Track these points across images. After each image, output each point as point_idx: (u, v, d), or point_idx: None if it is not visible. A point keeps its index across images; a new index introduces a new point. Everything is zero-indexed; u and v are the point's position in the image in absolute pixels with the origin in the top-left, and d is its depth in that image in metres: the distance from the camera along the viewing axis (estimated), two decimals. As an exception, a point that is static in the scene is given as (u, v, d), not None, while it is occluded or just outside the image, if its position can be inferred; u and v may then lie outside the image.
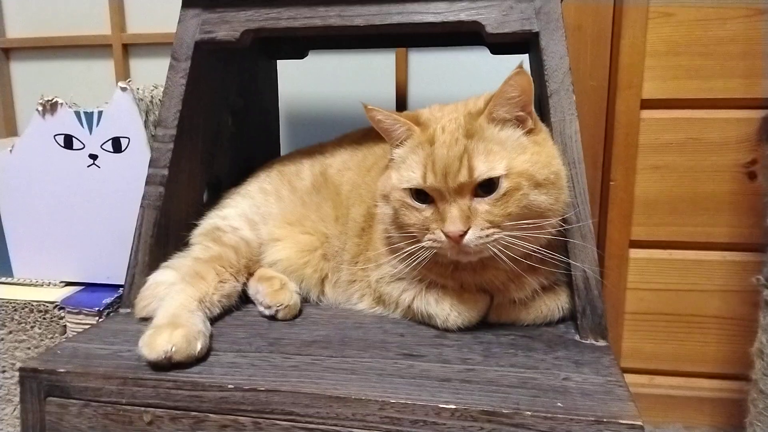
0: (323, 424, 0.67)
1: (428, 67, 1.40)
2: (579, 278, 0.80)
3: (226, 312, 0.90)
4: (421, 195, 0.76)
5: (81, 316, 1.02)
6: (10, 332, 1.07)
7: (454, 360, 0.74)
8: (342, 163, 1.03)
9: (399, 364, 0.73)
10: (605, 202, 1.29)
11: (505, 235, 0.73)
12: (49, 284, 1.10)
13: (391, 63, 1.39)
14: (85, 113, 1.01)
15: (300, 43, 1.24)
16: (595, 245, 0.81)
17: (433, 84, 1.39)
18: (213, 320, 0.86)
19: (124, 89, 0.98)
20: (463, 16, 0.87)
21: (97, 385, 0.72)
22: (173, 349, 0.71)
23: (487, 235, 0.72)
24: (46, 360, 0.76)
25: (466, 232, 0.72)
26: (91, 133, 1.01)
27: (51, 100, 1.00)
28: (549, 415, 0.62)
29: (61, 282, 1.10)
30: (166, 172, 0.93)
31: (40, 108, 1.01)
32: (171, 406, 0.70)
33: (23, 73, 1.56)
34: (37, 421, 0.75)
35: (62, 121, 1.02)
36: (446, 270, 0.81)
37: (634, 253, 1.30)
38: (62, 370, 0.73)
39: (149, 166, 0.94)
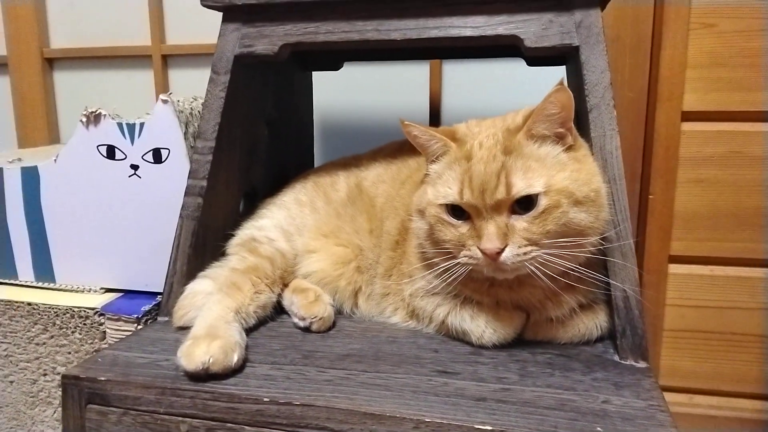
0: (357, 440, 0.67)
1: (463, 78, 1.39)
2: (619, 298, 0.79)
3: (262, 323, 0.91)
4: (457, 211, 0.76)
5: (120, 323, 1.04)
6: (52, 337, 1.09)
7: (489, 378, 0.73)
8: (377, 175, 1.03)
9: (433, 382, 0.73)
10: (644, 217, 1.26)
11: (543, 252, 0.72)
12: (89, 290, 1.13)
13: (425, 74, 1.39)
14: (128, 125, 1.03)
15: (335, 56, 1.25)
16: (636, 264, 0.79)
17: (468, 95, 1.38)
18: (248, 331, 0.87)
19: (165, 102, 1.00)
20: (502, 30, 0.86)
21: (137, 394, 0.74)
22: (211, 361, 0.72)
23: (525, 253, 0.71)
24: (88, 368, 0.78)
25: (503, 250, 0.71)
26: (132, 144, 1.04)
27: (95, 112, 1.03)
28: (588, 439, 0.60)
29: (101, 288, 1.13)
30: (204, 183, 0.95)
31: (84, 119, 1.04)
32: (207, 417, 0.71)
33: (66, 82, 1.61)
34: (78, 427, 0.77)
35: (105, 132, 1.04)
36: (482, 286, 0.80)
37: (674, 269, 1.27)
38: (103, 378, 0.75)
39: (188, 177, 0.95)
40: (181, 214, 0.95)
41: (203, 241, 0.97)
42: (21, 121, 1.61)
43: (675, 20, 1.16)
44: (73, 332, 1.08)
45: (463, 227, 0.75)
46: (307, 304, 0.89)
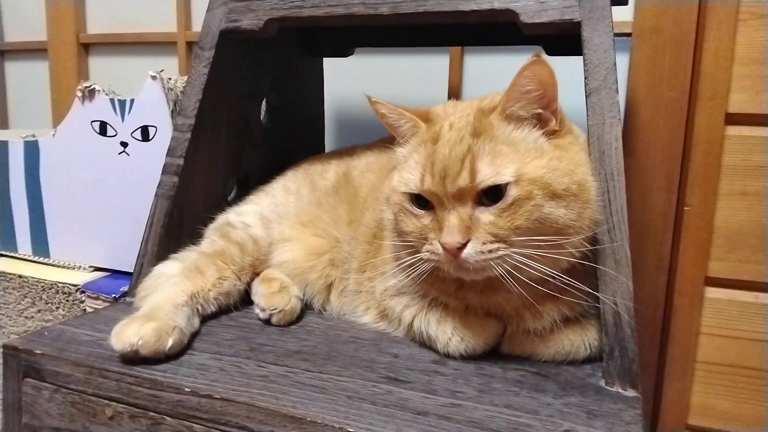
0: (277, 445, 0.59)
1: (484, 69, 1.30)
2: (608, 312, 0.67)
3: (224, 311, 0.85)
4: (421, 200, 0.67)
5: (99, 302, 1.02)
6: (39, 311, 1.09)
7: (442, 391, 0.64)
8: (366, 165, 0.95)
9: (377, 389, 0.64)
10: (678, 231, 1.12)
11: (513, 252, 0.62)
12: (79, 268, 1.12)
13: (445, 66, 1.30)
14: (119, 101, 1.01)
15: (342, 40, 1.19)
16: (631, 274, 0.67)
17: (489, 88, 1.28)
18: (207, 318, 0.82)
19: (154, 78, 0.97)
20: (497, 4, 0.77)
21: (68, 371, 0.70)
22: (140, 343, 0.67)
23: (490, 251, 0.62)
24: (29, 340, 0.75)
25: (465, 245, 0.62)
26: (123, 121, 1.02)
27: (89, 87, 1.02)
28: (529, 473, 0.50)
29: (90, 267, 1.11)
30: (181, 161, 0.91)
31: (80, 94, 1.03)
32: (131, 403, 0.66)
33: (100, 67, 1.65)
34: (16, 400, 0.74)
35: (99, 108, 1.03)
36: (449, 287, 0.71)
37: (711, 293, 1.11)
38: (38, 352, 0.72)
39: (166, 155, 0.92)
40: (156, 192, 0.92)
41: (179, 223, 0.93)
42: (56, 104, 1.66)
43: (722, 9, 1.02)
44: (57, 308, 1.07)
45: (426, 218, 0.67)
46: (269, 295, 0.83)
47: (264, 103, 1.13)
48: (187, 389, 0.63)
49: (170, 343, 0.69)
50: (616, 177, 0.69)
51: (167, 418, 0.64)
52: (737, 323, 1.10)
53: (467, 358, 0.71)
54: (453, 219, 0.63)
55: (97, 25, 1.64)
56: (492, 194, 0.63)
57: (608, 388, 0.66)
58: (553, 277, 0.64)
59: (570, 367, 0.71)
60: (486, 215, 0.63)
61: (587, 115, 0.71)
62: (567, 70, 0.80)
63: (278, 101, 1.14)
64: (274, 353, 0.73)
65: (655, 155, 1.14)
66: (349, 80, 1.38)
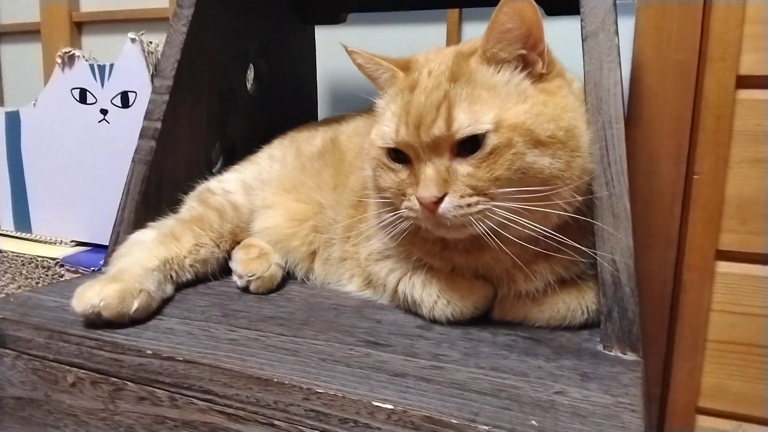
0: (242, 410, 0.55)
1: (482, 38, 1.24)
2: (606, 270, 0.62)
3: (201, 280, 0.81)
4: (398, 154, 0.63)
5: (78, 275, 0.98)
6: (19, 287, 1.05)
7: (423, 354, 0.59)
8: (354, 129, 0.91)
9: (354, 352, 0.59)
10: (687, 201, 1.05)
11: (495, 207, 0.57)
12: (61, 243, 1.08)
13: (443, 34, 1.25)
14: (99, 66, 0.98)
15: (334, 5, 1.14)
16: (631, 229, 0.61)
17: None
18: (182, 286, 0.78)
19: (133, 41, 0.93)
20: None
21: (28, 336, 0.66)
22: (102, 304, 0.63)
23: (469, 205, 0.57)
24: (-9, 305, 0.71)
25: (441, 199, 0.57)
26: (102, 87, 0.98)
27: (68, 52, 0.98)
28: (512, 434, 0.45)
29: (72, 241, 1.08)
30: (159, 125, 0.86)
31: (59, 60, 0.99)
32: (92, 369, 0.62)
33: (93, 45, 1.61)
34: (-22, 369, 0.70)
35: (78, 75, 1.00)
36: (434, 248, 0.66)
37: (723, 267, 1.05)
38: (0, 316, 0.67)
39: (144, 118, 0.88)
40: (133, 158, 0.87)
41: (157, 190, 0.89)
42: (49, 85, 1.62)
43: (733, -38, 0.96)
44: (37, 282, 1.03)
45: (404, 173, 0.62)
46: (247, 261, 0.78)
47: (251, 71, 1.08)
48: (148, 351, 0.59)
49: (135, 305, 0.65)
50: (615, 125, 0.63)
51: (129, 383, 0.60)
52: (750, 299, 1.03)
53: (454, 323, 0.66)
54: (429, 171, 0.58)
55: (89, 3, 1.60)
56: (470, 144, 0.58)
57: (606, 352, 0.60)
58: (544, 235, 0.59)
59: (566, 333, 0.65)
60: (464, 167, 0.58)
61: (584, 60, 0.65)
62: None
63: (266, 69, 1.09)
64: (248, 318, 0.68)
65: (662, 122, 1.08)
66: (343, 53, 1.33)
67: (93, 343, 0.62)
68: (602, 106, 0.64)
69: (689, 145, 1.07)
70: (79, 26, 1.61)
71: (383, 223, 0.66)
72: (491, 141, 0.56)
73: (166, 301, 0.72)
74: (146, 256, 0.74)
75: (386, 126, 0.63)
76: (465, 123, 0.57)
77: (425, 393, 0.51)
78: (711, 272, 1.05)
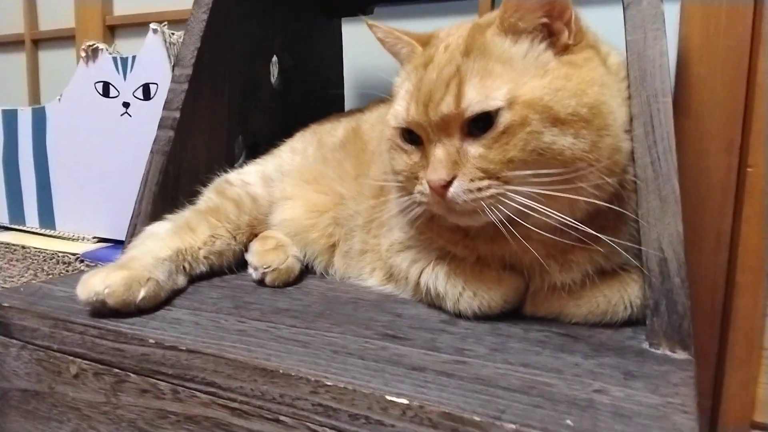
0: (247, 404, 0.50)
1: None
2: (653, 259, 0.55)
3: (217, 273, 0.77)
4: (412, 135, 0.59)
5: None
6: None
7: (446, 349, 0.53)
8: (377, 117, 0.86)
9: (369, 344, 0.54)
10: (741, 196, 0.97)
11: (510, 191, 0.52)
12: (83, 239, 1.07)
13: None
14: (121, 58, 0.97)
15: (361, -3, 1.11)
16: (680, 213, 0.55)
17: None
18: (196, 278, 0.74)
19: (155, 31, 0.91)
20: None
21: (34, 325, 0.63)
22: (107, 291, 0.59)
23: (480, 189, 0.52)
24: (0, 294, 0.69)
25: (450, 183, 0.53)
26: (125, 80, 0.97)
27: (92, 45, 0.98)
28: (543, 434, 0.39)
29: (94, 237, 1.06)
30: (177, 114, 0.84)
31: (84, 54, 0.98)
32: (95, 359, 0.59)
33: (125, 48, 1.62)
34: (-14, 360, 0.68)
35: (102, 68, 0.99)
36: (455, 236, 0.61)
37: (782, 269, 0.96)
38: (6, 305, 0.65)
39: (163, 108, 0.85)
40: (152, 148, 0.85)
41: (175, 182, 0.86)
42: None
43: (788, -64, 0.88)
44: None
45: (416, 155, 0.58)
46: (263, 252, 0.74)
47: (275, 64, 1.06)
48: (151, 341, 0.55)
49: (142, 294, 0.61)
50: (661, 98, 0.57)
51: (131, 375, 0.56)
52: (814, 305, 0.94)
53: (482, 317, 0.61)
54: (438, 153, 0.54)
55: (122, 6, 1.62)
56: (482, 122, 0.53)
57: (653, 350, 0.54)
58: (573, 227, 0.53)
59: (606, 330, 0.59)
60: (475, 147, 0.53)
61: (625, 30, 0.60)
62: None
63: (291, 63, 1.07)
64: (261, 310, 0.64)
65: (712, 113, 1.00)
66: (371, 48, 1.30)
67: (96, 332, 0.58)
68: (646, 79, 0.58)
69: (742, 136, 0.99)
70: (112, 29, 1.63)
71: (401, 209, 0.61)
72: (504, 119, 0.51)
73: (177, 293, 0.69)
74: (159, 246, 0.71)
75: (399, 105, 0.59)
76: (475, 99, 0.52)
77: (445, 388, 0.45)
78: (767, 273, 0.96)
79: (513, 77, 0.52)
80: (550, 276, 0.59)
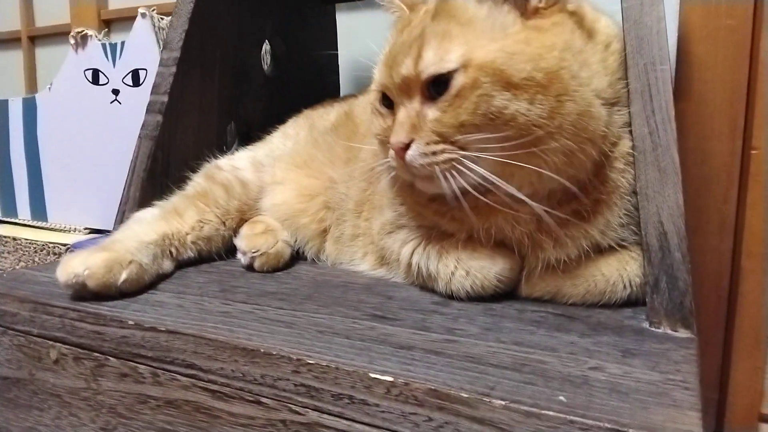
0: (227, 386, 0.48)
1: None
2: (652, 234, 0.53)
3: (205, 259, 0.75)
4: (387, 99, 0.59)
5: (86, 261, 0.95)
6: (32, 275, 1.03)
7: (436, 328, 0.51)
8: (369, 99, 0.84)
9: (357, 325, 0.52)
10: (745, 180, 0.95)
11: (465, 157, 0.51)
12: (75, 230, 1.05)
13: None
14: (110, 45, 0.95)
15: (354, -19, 1.09)
16: (680, 185, 0.53)
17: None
18: (183, 264, 0.72)
19: (143, 15, 0.90)
20: None
21: (14, 310, 0.61)
22: (86, 273, 0.58)
23: (434, 153, 0.52)
24: (-19, 280, 0.67)
25: (409, 146, 0.53)
26: (114, 66, 0.95)
27: (81, 32, 0.96)
28: (534, 410, 0.37)
29: (86, 229, 1.04)
30: (166, 98, 0.82)
31: (73, 41, 0.97)
32: (75, 343, 0.57)
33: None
34: (-32, 348, 0.66)
35: (91, 55, 0.97)
36: (441, 206, 0.59)
37: (788, 254, 0.93)
38: (-14, 290, 0.63)
39: (151, 92, 0.84)
40: (139, 133, 0.83)
41: (164, 168, 0.84)
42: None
43: None
44: (48, 271, 1.00)
45: (390, 119, 0.58)
46: (251, 236, 0.72)
47: (267, 50, 1.04)
48: (130, 322, 0.53)
49: (123, 276, 0.59)
50: (659, 66, 0.54)
51: (111, 358, 0.55)
52: (821, 290, 0.92)
53: (474, 298, 0.58)
54: (401, 115, 0.55)
55: (118, 0, 1.61)
56: (441, 85, 0.52)
57: (653, 329, 0.51)
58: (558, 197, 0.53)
59: (605, 310, 0.57)
60: (432, 111, 0.53)
61: (620, -5, 0.57)
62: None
63: (283, 49, 1.05)
64: (247, 293, 0.62)
65: (714, 95, 0.98)
66: (368, 35, 1.28)
67: (75, 314, 0.57)
68: (643, 47, 0.55)
69: (745, 117, 0.97)
70: (108, 23, 1.62)
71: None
72: (457, 82, 0.51)
73: (163, 277, 0.67)
74: (144, 229, 0.69)
75: (376, 68, 0.60)
76: (430, 61, 0.52)
77: (433, 366, 0.43)
78: (774, 259, 0.94)
79: (470, 40, 0.52)
80: (544, 252, 0.57)
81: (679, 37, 1.00)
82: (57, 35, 1.75)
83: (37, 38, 1.83)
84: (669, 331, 0.51)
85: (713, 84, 0.98)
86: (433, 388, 0.40)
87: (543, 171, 0.51)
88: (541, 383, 0.40)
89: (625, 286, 0.57)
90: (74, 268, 0.58)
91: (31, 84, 1.85)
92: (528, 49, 0.50)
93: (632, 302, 0.57)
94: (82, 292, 0.59)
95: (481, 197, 0.53)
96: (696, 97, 1.00)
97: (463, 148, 0.51)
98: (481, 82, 0.50)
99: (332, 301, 0.59)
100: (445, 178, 0.52)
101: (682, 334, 0.50)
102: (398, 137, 0.53)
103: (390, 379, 0.41)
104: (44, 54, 1.84)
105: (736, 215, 0.97)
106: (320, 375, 0.44)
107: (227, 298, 0.60)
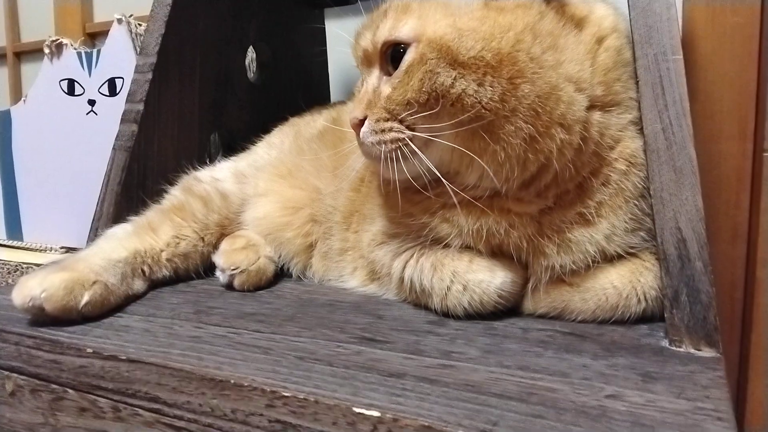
0: (195, 422, 0.42)
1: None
2: (669, 241, 0.47)
3: (182, 277, 0.70)
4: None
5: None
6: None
7: (431, 352, 0.46)
8: (359, 104, 0.79)
9: (342, 349, 0.47)
10: (757, 183, 0.89)
11: (414, 138, 0.50)
12: (51, 249, 0.99)
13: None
14: (86, 53, 0.90)
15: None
16: (699, 186, 0.47)
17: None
18: (158, 283, 0.67)
19: (120, 21, 0.85)
20: None
21: (-33, 339, 0.55)
22: (44, 296, 0.52)
23: (383, 130, 0.50)
24: (-64, 305, 0.61)
25: (364, 121, 0.52)
26: (90, 76, 0.90)
27: (56, 41, 0.91)
28: (545, 450, 0.31)
29: (62, 248, 0.99)
30: (141, 107, 0.77)
31: (47, 50, 0.92)
32: (32, 373, 0.51)
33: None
34: None
35: (66, 65, 0.93)
36: (431, 203, 0.54)
37: (806, 262, 0.88)
38: (-62, 317, 0.58)
39: (126, 101, 0.79)
40: (114, 145, 0.78)
41: (140, 181, 0.79)
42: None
43: None
44: (21, 293, 0.94)
45: None
46: (230, 251, 0.67)
47: (252, 56, 0.99)
48: (89, 350, 0.48)
49: (85, 298, 0.54)
50: (671, 56, 0.50)
51: (69, 390, 0.49)
52: (844, 300, 0.86)
53: (474, 315, 0.53)
54: (361, 91, 0.54)
55: (103, 14, 1.57)
56: (395, 60, 0.51)
57: (674, 348, 0.46)
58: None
59: (618, 327, 0.51)
60: (386, 87, 0.51)
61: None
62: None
63: (269, 55, 1.00)
64: (223, 315, 0.56)
65: (722, 95, 0.93)
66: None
67: (32, 342, 0.51)
68: (653, 36, 0.50)
69: (756, 118, 0.92)
70: (94, 37, 1.57)
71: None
72: (408, 57, 0.49)
73: (133, 298, 0.62)
74: (113, 246, 0.63)
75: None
76: (384, 32, 0.51)
77: (426, 397, 0.37)
78: (792, 267, 0.88)
79: (427, 14, 0.50)
80: (547, 259, 0.51)
81: (684, 35, 0.96)
82: (42, 51, 1.71)
83: (23, 54, 1.79)
84: (692, 350, 0.45)
85: (720, 84, 0.93)
86: (426, 424, 0.34)
87: (500, 157, 0.48)
88: (551, 416, 0.35)
89: (639, 300, 0.51)
90: (31, 290, 0.52)
91: (17, 100, 1.81)
92: (482, 28, 0.48)
93: (648, 318, 0.52)
94: (40, 317, 0.53)
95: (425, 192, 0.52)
96: (702, 97, 0.95)
97: (411, 129, 0.49)
98: (427, 57, 0.48)
99: (316, 322, 0.54)
100: (392, 160, 0.50)
101: (707, 353, 0.45)
102: (354, 113, 0.52)
103: (377, 414, 0.35)
104: (30, 69, 1.80)
105: (749, 221, 0.92)
106: (297, 410, 0.38)
107: (201, 320, 0.55)
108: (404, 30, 0.50)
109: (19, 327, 0.53)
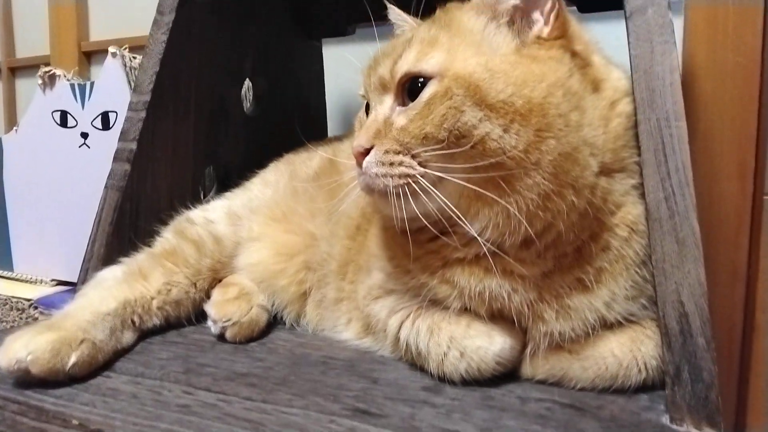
0: (181, 505, 0.41)
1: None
2: (671, 315, 0.46)
3: (173, 325, 0.69)
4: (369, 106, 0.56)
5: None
6: (-6, 331, 0.95)
7: (426, 429, 0.44)
8: (356, 144, 0.78)
9: (334, 425, 0.45)
10: (757, 225, 0.89)
11: (425, 175, 0.47)
12: (41, 282, 0.98)
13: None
14: (79, 85, 0.89)
15: (340, 16, 1.03)
16: (702, 259, 0.46)
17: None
18: (148, 333, 0.66)
19: (114, 55, 0.84)
20: None
21: (-51, 398, 0.54)
22: (30, 359, 0.51)
23: (391, 163, 0.47)
24: None
25: (369, 152, 0.49)
26: (83, 108, 0.89)
27: (49, 72, 0.90)
28: None
29: (53, 280, 0.97)
30: (134, 146, 0.76)
31: (41, 81, 0.91)
32: (14, 441, 0.49)
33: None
34: None
35: (59, 96, 0.92)
36: (432, 259, 0.53)
37: (806, 306, 0.87)
38: None
39: (119, 139, 0.78)
40: (106, 183, 0.77)
41: (133, 221, 0.78)
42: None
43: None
44: (10, 325, 0.93)
45: None
46: (222, 302, 0.66)
47: (249, 88, 0.98)
48: (75, 422, 0.46)
49: (72, 360, 0.52)
50: (674, 123, 0.49)
51: (52, 463, 0.47)
52: None
53: (471, 382, 0.52)
54: (369, 119, 0.51)
55: (98, 33, 1.56)
56: (416, 92, 0.49)
57: (675, 426, 0.45)
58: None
59: (618, 397, 0.50)
60: (401, 118, 0.49)
61: (629, 43, 0.52)
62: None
63: (266, 86, 0.99)
64: (213, 376, 0.55)
65: (722, 134, 0.92)
66: (357, 73, 1.23)
67: (16, 407, 0.50)
68: (655, 100, 0.50)
69: (756, 159, 0.91)
70: (89, 56, 1.56)
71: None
72: (430, 89, 0.47)
73: (122, 352, 0.60)
74: (101, 297, 0.62)
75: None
76: (407, 63, 0.49)
77: (421, 492, 0.36)
78: (791, 311, 0.87)
79: (455, 49, 0.48)
80: (546, 325, 0.50)
81: (684, 73, 0.95)
82: (37, 67, 1.69)
83: (18, 69, 1.78)
84: (693, 429, 0.44)
85: (721, 123, 0.92)
86: None
87: (511, 209, 0.46)
88: None
89: (640, 370, 0.50)
90: (16, 352, 0.51)
91: (11, 115, 1.79)
92: (514, 73, 0.46)
93: (648, 387, 0.51)
94: (25, 379, 0.52)
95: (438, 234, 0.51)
96: (701, 135, 0.94)
97: (423, 165, 0.47)
98: (453, 92, 0.46)
99: (309, 387, 0.52)
100: (397, 196, 0.47)
101: (709, 434, 0.44)
102: (359, 141, 0.50)
103: None
104: (24, 85, 1.79)
105: (749, 263, 0.91)
106: (287, 503, 0.37)
107: (190, 383, 0.53)
108: (430, 63, 0.48)
109: (3, 390, 0.51)
